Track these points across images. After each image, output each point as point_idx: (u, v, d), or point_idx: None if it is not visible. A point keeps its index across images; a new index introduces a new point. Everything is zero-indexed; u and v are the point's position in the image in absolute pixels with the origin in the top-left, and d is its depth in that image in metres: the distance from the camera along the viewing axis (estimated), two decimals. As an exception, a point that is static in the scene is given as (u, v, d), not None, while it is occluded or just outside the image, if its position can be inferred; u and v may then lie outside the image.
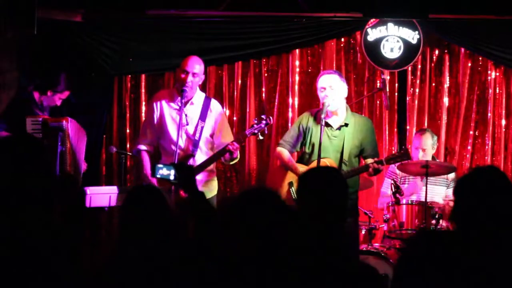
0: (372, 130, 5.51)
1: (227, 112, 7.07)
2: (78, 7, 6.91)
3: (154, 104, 5.56)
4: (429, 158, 6.09)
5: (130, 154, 6.62)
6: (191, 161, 5.40)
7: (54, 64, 6.74)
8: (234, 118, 7.13)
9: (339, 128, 5.35)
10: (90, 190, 5.62)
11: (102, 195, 5.71)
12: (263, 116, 5.38)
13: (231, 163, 5.58)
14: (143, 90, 7.24)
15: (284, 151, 5.51)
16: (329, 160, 5.26)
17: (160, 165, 3.34)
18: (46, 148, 3.29)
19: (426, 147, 6.15)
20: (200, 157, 5.44)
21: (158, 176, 3.33)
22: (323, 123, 5.22)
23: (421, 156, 6.07)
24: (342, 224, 2.87)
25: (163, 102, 5.53)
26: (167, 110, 5.51)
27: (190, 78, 5.36)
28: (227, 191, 7.16)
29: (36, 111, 5.89)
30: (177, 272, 2.86)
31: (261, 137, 5.43)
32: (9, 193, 2.95)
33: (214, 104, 5.58)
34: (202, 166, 5.37)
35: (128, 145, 7.15)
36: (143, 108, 7.14)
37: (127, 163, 7.06)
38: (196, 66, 5.40)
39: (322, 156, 5.21)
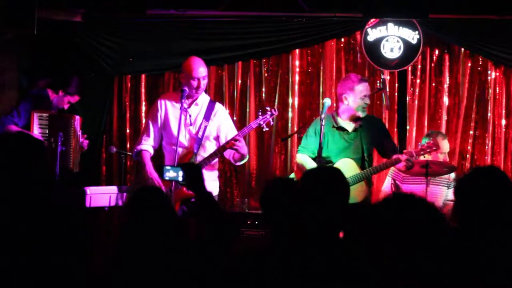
0: (384, 125, 5.77)
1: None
2: (78, 7, 6.91)
3: (159, 104, 5.57)
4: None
5: (130, 154, 6.64)
6: (193, 159, 5.40)
7: (55, 65, 6.75)
8: (234, 118, 7.12)
9: (355, 131, 5.41)
10: (90, 190, 5.63)
11: (102, 195, 5.72)
12: (267, 108, 5.39)
13: (241, 162, 5.59)
14: (143, 90, 7.24)
15: (302, 156, 5.50)
16: (348, 160, 5.34)
17: (167, 167, 3.33)
18: (44, 147, 3.29)
19: (448, 150, 6.25)
20: (203, 156, 5.45)
21: (166, 178, 3.31)
22: (323, 123, 5.28)
23: (442, 158, 6.15)
24: (342, 225, 2.86)
25: (168, 103, 5.54)
26: (171, 111, 5.52)
27: (202, 83, 5.42)
28: (227, 191, 7.16)
29: (48, 107, 5.93)
30: (178, 272, 2.86)
31: (266, 129, 5.43)
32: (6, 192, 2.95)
33: (219, 106, 5.61)
34: (206, 161, 5.37)
35: (128, 145, 7.16)
36: (143, 108, 7.15)
37: (127, 163, 7.06)
38: (202, 70, 5.44)
39: (342, 157, 5.34)
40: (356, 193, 5.27)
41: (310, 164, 5.37)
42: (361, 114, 5.41)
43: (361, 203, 5.30)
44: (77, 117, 5.98)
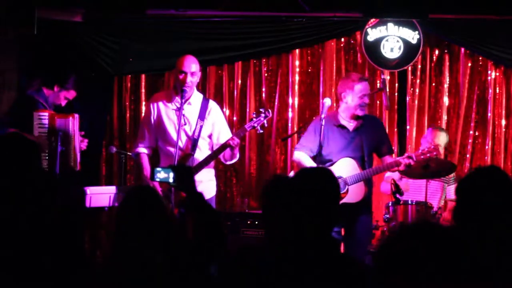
0: (383, 127, 5.76)
1: (227, 112, 7.07)
2: (78, 7, 6.91)
3: (151, 106, 5.53)
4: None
5: (130, 154, 6.63)
6: (190, 161, 5.39)
7: (54, 64, 6.75)
8: (234, 118, 7.13)
9: (355, 129, 5.40)
10: (90, 190, 5.63)
11: (102, 195, 5.72)
12: (261, 110, 5.36)
13: (231, 162, 5.56)
14: (143, 90, 7.24)
15: (301, 154, 5.47)
16: (349, 159, 5.33)
17: (158, 169, 3.31)
18: (36, 147, 3.29)
19: (445, 142, 6.22)
20: (199, 156, 5.42)
21: (157, 179, 3.30)
22: (323, 123, 5.26)
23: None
24: (333, 225, 2.85)
25: (160, 104, 5.50)
26: (164, 111, 5.48)
27: (189, 78, 5.34)
28: (227, 191, 7.16)
29: (45, 106, 5.90)
30: (174, 273, 2.86)
31: (261, 131, 5.41)
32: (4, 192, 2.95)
33: (213, 104, 5.56)
34: (203, 164, 5.35)
35: (128, 145, 7.15)
36: (143, 108, 7.14)
37: (127, 163, 7.06)
38: (192, 66, 5.37)
39: (342, 156, 5.32)
40: (354, 193, 5.27)
41: (308, 162, 5.36)
42: (360, 112, 5.37)
43: (358, 203, 5.29)
44: (76, 115, 5.96)
